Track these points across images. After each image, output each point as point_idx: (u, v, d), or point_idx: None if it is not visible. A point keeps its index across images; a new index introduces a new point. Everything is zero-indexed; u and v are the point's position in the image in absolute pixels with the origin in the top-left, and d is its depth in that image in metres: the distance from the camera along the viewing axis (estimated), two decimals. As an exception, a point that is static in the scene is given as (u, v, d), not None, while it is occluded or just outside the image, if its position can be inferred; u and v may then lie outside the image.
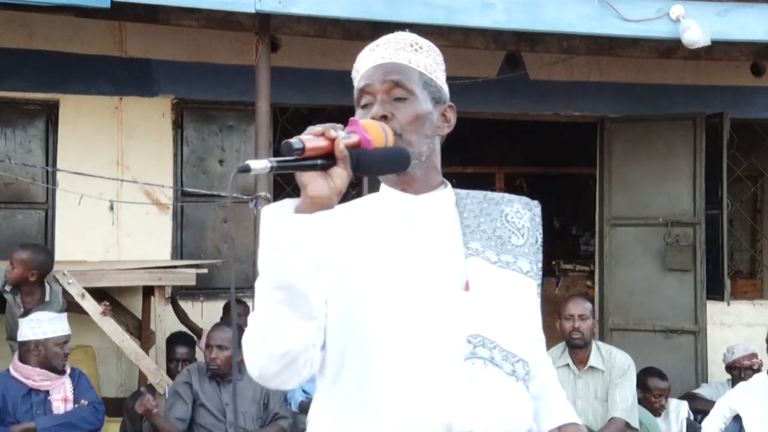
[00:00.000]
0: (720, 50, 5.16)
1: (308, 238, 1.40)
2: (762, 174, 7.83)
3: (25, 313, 4.71)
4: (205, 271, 5.48)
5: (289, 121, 6.50)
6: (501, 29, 5.16)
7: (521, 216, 1.72)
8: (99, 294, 5.21)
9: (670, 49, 5.56)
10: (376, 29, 5.20)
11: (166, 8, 4.91)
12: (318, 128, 1.41)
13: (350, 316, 1.58)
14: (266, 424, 4.56)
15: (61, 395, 4.44)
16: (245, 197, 5.16)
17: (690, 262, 6.68)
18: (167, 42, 6.18)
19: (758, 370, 5.50)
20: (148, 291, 5.59)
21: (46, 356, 4.44)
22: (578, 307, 4.53)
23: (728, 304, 7.00)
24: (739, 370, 5.70)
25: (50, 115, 6.20)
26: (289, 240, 1.40)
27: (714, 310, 6.86)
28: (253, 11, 4.68)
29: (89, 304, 4.90)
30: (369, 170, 1.49)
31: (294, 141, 1.38)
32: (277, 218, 1.42)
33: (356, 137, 1.45)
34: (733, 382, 5.59)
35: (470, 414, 1.52)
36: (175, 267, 5.48)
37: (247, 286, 6.14)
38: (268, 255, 1.43)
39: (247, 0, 4.65)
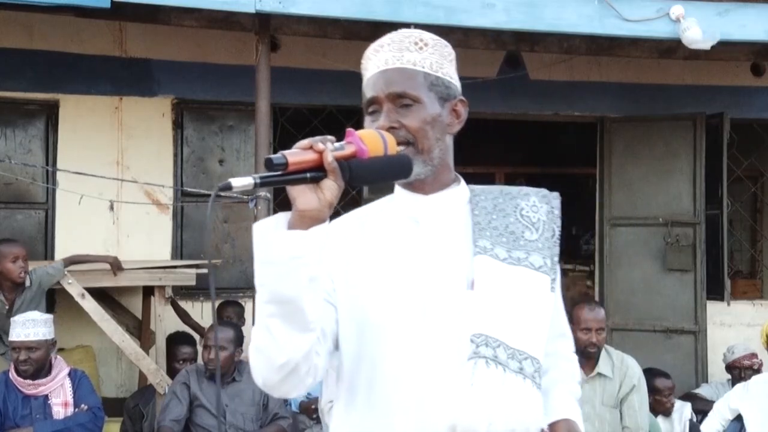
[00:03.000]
0: (720, 50, 5.16)
1: (298, 253, 1.39)
2: (762, 174, 7.83)
3: (10, 308, 4.67)
4: (205, 271, 5.48)
5: (289, 121, 6.49)
6: (501, 29, 5.17)
7: (537, 209, 1.69)
8: (99, 294, 5.20)
9: (670, 49, 5.56)
10: (376, 29, 5.20)
11: (166, 8, 4.91)
12: (305, 142, 1.41)
13: (359, 319, 1.59)
14: (266, 424, 4.55)
15: (61, 399, 4.33)
16: (245, 197, 5.16)
17: (690, 262, 6.68)
18: (167, 42, 6.17)
19: (758, 370, 5.50)
20: (148, 291, 5.59)
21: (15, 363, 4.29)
22: (597, 321, 4.21)
23: (728, 304, 6.99)
24: (739, 370, 5.69)
25: (50, 115, 6.19)
26: (280, 255, 1.40)
27: (714, 310, 6.86)
28: (253, 11, 4.67)
29: (89, 304, 4.90)
30: (364, 180, 1.48)
31: (276, 156, 1.37)
32: (266, 233, 1.42)
33: (352, 148, 1.44)
34: (733, 382, 5.59)
35: (473, 414, 1.52)
36: (175, 267, 5.48)
37: (247, 286, 6.14)
38: (261, 270, 1.44)
39: (247, 0, 4.65)
